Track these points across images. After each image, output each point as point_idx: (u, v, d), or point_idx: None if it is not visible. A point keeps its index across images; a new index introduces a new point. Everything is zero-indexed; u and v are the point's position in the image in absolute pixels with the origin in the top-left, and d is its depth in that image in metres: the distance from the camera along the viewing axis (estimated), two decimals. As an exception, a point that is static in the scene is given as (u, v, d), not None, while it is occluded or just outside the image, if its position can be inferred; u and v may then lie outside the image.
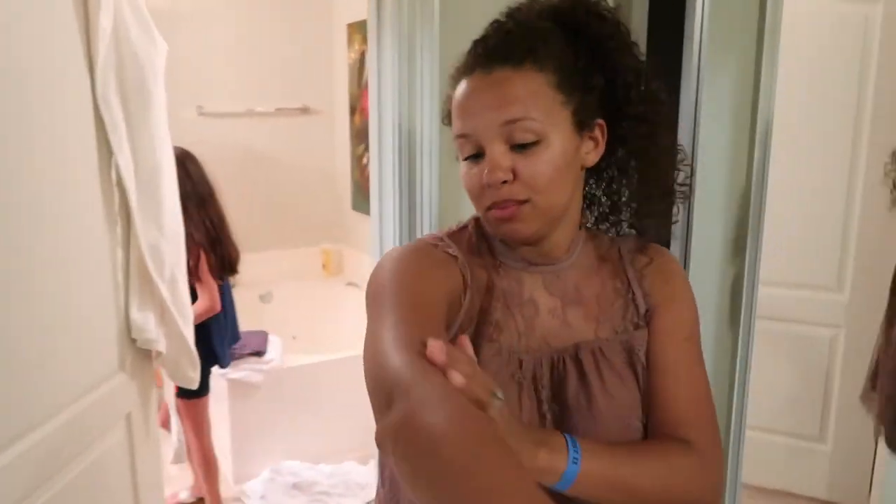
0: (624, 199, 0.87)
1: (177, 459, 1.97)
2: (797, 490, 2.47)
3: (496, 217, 0.78)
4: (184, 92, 3.42)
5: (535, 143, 0.75)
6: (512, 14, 0.81)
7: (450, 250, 0.82)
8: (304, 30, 3.88)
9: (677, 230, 1.45)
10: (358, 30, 3.63)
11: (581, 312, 0.84)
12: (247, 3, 3.71)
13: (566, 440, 0.74)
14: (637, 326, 0.85)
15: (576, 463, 0.72)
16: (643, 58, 0.83)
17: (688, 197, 0.88)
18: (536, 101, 0.75)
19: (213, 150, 3.69)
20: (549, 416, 0.80)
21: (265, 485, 2.66)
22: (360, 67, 3.66)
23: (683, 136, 1.38)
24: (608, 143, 0.82)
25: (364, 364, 0.69)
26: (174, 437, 1.94)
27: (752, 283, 1.56)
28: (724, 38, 1.39)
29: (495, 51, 0.77)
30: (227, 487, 2.81)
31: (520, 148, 0.76)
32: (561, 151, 0.77)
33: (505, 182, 0.75)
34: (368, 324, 0.74)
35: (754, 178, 1.50)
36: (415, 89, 1.25)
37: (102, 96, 1.47)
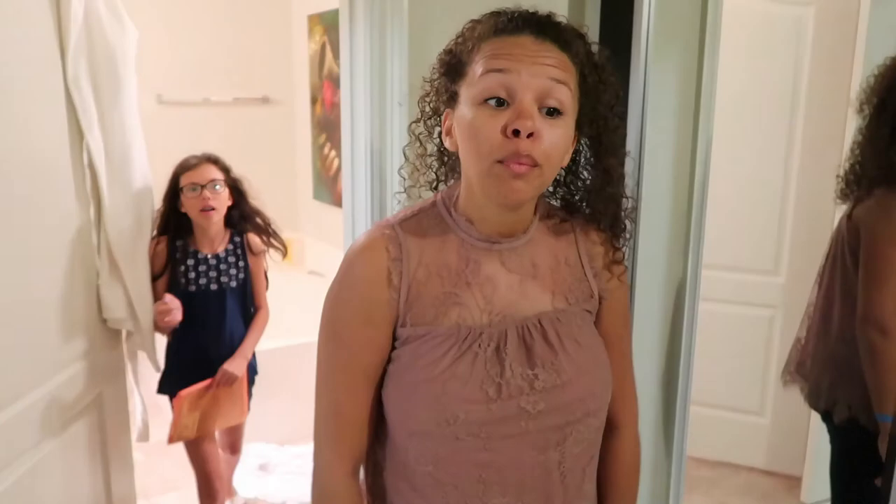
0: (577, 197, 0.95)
1: (141, 438, 1.99)
2: (738, 461, 2.63)
3: (512, 171, 0.77)
4: (143, 80, 3.40)
5: (559, 114, 0.79)
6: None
7: (391, 247, 0.86)
8: (264, 20, 3.89)
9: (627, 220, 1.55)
10: (318, 21, 3.66)
11: (538, 285, 0.90)
12: (207, -9, 3.71)
13: None
14: (587, 299, 0.93)
15: None
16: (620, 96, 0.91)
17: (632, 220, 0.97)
18: (571, 81, 0.80)
19: (172, 139, 3.69)
20: (513, 382, 0.84)
21: (230, 467, 2.70)
22: (320, 58, 3.69)
23: (631, 128, 1.47)
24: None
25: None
26: (138, 416, 1.97)
27: (695, 266, 1.67)
28: (668, 36, 1.49)
29: (546, 27, 0.81)
30: (190, 471, 2.83)
31: (548, 113, 0.78)
32: (569, 135, 0.82)
33: (530, 136, 0.76)
34: (319, 352, 0.91)
35: (697, 168, 1.60)
36: (385, 80, 1.31)
37: (73, 80, 1.50)
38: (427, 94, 0.91)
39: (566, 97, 0.79)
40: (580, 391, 0.88)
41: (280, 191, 4.09)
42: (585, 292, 0.93)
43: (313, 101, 3.83)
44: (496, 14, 0.83)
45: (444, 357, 0.84)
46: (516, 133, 0.76)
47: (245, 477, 2.66)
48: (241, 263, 2.19)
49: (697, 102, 1.57)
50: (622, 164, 0.92)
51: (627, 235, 0.96)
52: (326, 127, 3.74)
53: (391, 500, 0.93)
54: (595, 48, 0.86)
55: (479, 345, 0.85)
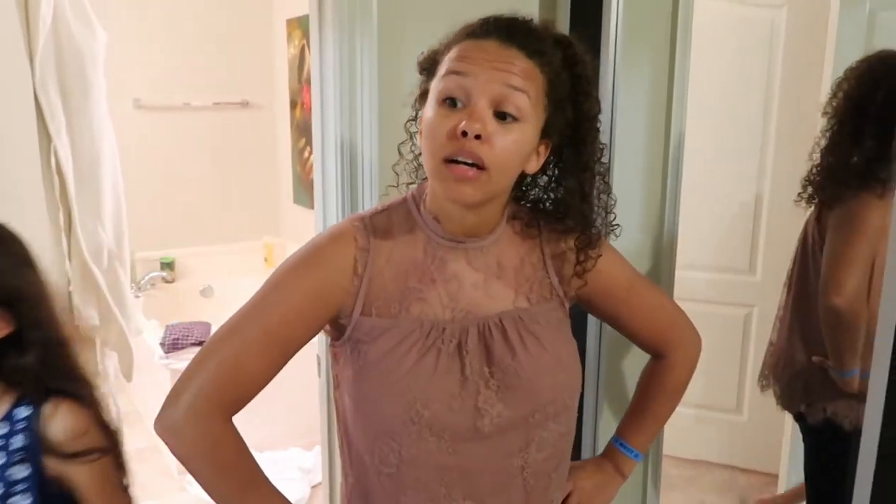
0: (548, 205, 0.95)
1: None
2: (716, 459, 2.65)
3: (455, 174, 0.79)
4: (120, 84, 3.38)
5: (514, 120, 0.80)
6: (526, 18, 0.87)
7: (359, 237, 0.87)
8: (244, 24, 3.88)
9: (599, 220, 1.56)
10: (298, 25, 3.65)
11: (502, 285, 0.91)
12: (185, -5, 3.69)
13: (622, 449, 1.08)
14: (547, 299, 0.94)
15: (637, 457, 1.08)
16: (600, 107, 0.91)
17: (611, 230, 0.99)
18: (532, 89, 0.81)
19: (151, 144, 3.67)
20: (471, 379, 0.86)
21: (209, 474, 2.68)
22: (300, 62, 3.69)
23: (601, 132, 1.48)
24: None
25: (219, 329, 0.88)
26: (116, 427, 1.95)
27: (669, 267, 1.68)
28: (639, 38, 1.50)
29: (514, 33, 0.82)
30: (170, 478, 2.81)
31: (501, 117, 0.79)
32: (526, 141, 0.82)
33: (478, 137, 0.78)
34: (256, 293, 0.88)
35: (670, 170, 1.62)
36: (356, 82, 1.31)
37: (41, 84, 1.49)
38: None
39: (524, 104, 0.80)
40: (539, 394, 0.88)
41: (261, 195, 4.08)
42: (546, 293, 0.94)
43: (293, 105, 3.83)
44: (484, 20, 0.85)
45: (409, 353, 0.85)
46: (465, 134, 0.77)
47: (225, 483, 2.64)
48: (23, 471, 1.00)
49: (669, 104, 1.58)
50: (596, 177, 0.93)
51: (598, 247, 0.95)
52: (306, 131, 3.73)
53: None
54: (576, 59, 0.86)
55: (443, 341, 0.86)
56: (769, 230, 2.43)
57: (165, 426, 0.85)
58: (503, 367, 0.87)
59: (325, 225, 1.48)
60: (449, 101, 0.80)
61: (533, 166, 0.87)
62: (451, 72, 0.81)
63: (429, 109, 0.83)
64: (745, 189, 2.44)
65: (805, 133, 2.26)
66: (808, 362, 1.59)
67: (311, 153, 3.72)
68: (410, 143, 0.96)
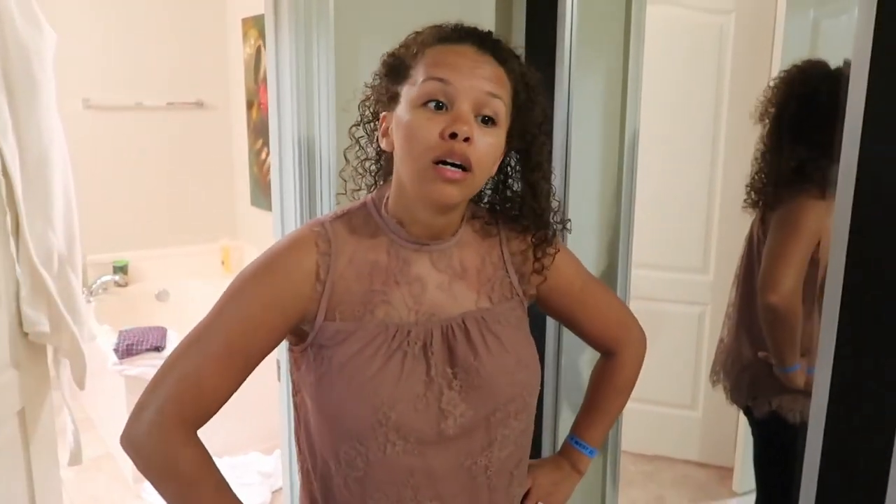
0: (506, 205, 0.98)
1: (73, 461, 1.91)
2: (672, 454, 2.71)
3: (444, 176, 0.80)
4: (69, 84, 3.29)
5: (493, 124, 0.84)
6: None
7: (320, 241, 0.87)
8: (198, 23, 3.81)
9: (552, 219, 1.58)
10: (253, 24, 3.61)
11: (465, 285, 0.92)
12: (136, -7, 3.61)
13: (577, 447, 1.11)
14: (508, 299, 0.95)
15: (592, 453, 1.11)
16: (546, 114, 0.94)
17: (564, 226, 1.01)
18: (504, 96, 0.85)
19: (101, 144, 3.58)
20: (436, 380, 0.87)
21: (166, 482, 2.63)
22: (256, 62, 3.64)
23: (557, 134, 1.50)
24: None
25: (181, 343, 0.87)
26: (69, 436, 1.88)
27: (625, 266, 1.72)
28: (593, 44, 1.53)
29: (486, 40, 0.86)
30: (125, 486, 2.75)
31: (482, 121, 0.83)
32: (500, 145, 0.87)
33: (466, 140, 0.80)
34: (216, 304, 0.87)
35: (625, 172, 1.65)
36: (312, 83, 1.30)
37: (-15, 85, 1.44)
38: (367, 99, 0.93)
39: (500, 109, 0.84)
40: (500, 393, 0.89)
41: (217, 197, 4.02)
42: (507, 292, 0.95)
43: (249, 105, 3.77)
44: (439, 26, 0.88)
45: (374, 356, 0.85)
46: (453, 136, 0.80)
47: (182, 491, 2.59)
48: None
49: (623, 107, 1.61)
50: (547, 179, 0.96)
51: (554, 244, 0.98)
52: (263, 132, 3.68)
53: None
54: (528, 69, 0.90)
55: (408, 343, 0.87)
56: (721, 230, 2.49)
57: (129, 442, 0.84)
58: (466, 368, 0.88)
59: (283, 226, 1.47)
60: (434, 104, 0.82)
61: (494, 168, 0.90)
62: (433, 77, 0.82)
63: (406, 113, 0.83)
64: (698, 190, 2.51)
65: (753, 135, 2.33)
66: (755, 358, 1.64)
67: (268, 154, 3.67)
68: (357, 149, 0.96)
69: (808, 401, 1.51)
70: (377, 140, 0.92)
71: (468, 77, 0.81)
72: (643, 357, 1.13)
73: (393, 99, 0.86)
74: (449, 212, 0.88)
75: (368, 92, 0.93)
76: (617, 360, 1.10)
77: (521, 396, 0.92)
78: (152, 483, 0.85)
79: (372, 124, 0.93)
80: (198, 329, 0.86)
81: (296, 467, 1.08)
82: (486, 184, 0.95)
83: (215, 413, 0.86)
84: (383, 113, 0.89)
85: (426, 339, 0.88)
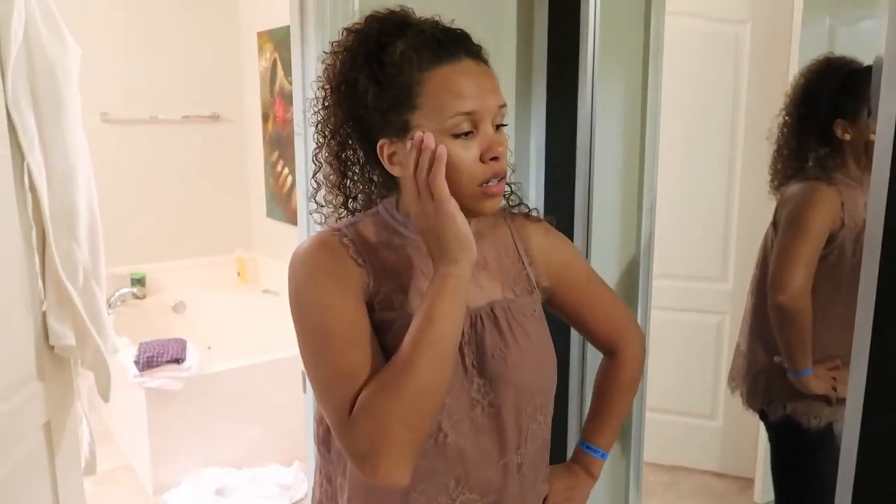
0: None
1: (88, 471, 1.92)
2: (692, 464, 2.69)
3: (495, 192, 0.86)
4: (88, 98, 3.32)
5: (503, 126, 0.88)
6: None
7: (345, 240, 0.88)
8: (213, 37, 3.85)
9: (578, 229, 1.59)
10: (269, 38, 3.64)
11: (487, 275, 0.94)
12: (154, 8, 3.65)
13: (588, 451, 1.11)
14: (529, 292, 0.97)
15: (603, 456, 1.12)
16: None
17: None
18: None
19: (118, 158, 3.61)
20: (469, 369, 0.89)
21: (187, 493, 2.63)
22: (271, 75, 3.67)
23: (581, 142, 1.51)
24: None
25: (312, 380, 0.85)
26: (85, 447, 1.89)
27: (646, 276, 1.72)
28: (614, 53, 1.53)
29: (472, 47, 0.87)
30: (145, 498, 2.75)
31: (496, 128, 0.87)
32: None
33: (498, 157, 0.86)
34: (301, 336, 0.86)
35: (645, 182, 1.66)
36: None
37: (13, 100, 1.46)
38: (327, 120, 0.91)
39: (506, 112, 0.88)
40: (527, 384, 0.92)
41: (233, 209, 4.05)
42: (527, 286, 0.97)
43: (265, 118, 3.80)
44: (420, 34, 0.84)
45: None
46: (495, 158, 0.85)
47: (201, 502, 2.60)
48: None
49: (643, 116, 1.62)
50: None
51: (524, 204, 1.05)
52: (279, 144, 3.71)
53: None
54: None
55: None
56: (740, 238, 2.48)
57: (386, 482, 0.79)
58: (496, 357, 0.90)
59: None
60: (464, 134, 0.84)
61: None
62: (460, 113, 0.83)
63: (449, 142, 0.83)
64: (716, 198, 2.50)
65: (771, 144, 2.33)
66: (770, 362, 1.63)
67: (283, 166, 3.70)
68: (330, 172, 0.93)
69: (823, 405, 1.52)
70: (360, 164, 0.92)
71: (484, 99, 0.84)
72: (644, 356, 1.15)
73: (402, 129, 0.84)
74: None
75: (326, 114, 0.90)
76: (619, 360, 1.11)
77: (545, 389, 0.95)
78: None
79: (355, 149, 0.91)
80: (309, 358, 0.85)
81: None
82: None
83: None
84: (384, 140, 0.86)
85: None
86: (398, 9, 0.88)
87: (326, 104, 0.90)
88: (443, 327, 0.79)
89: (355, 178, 0.94)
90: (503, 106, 0.87)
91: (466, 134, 0.84)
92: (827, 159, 1.52)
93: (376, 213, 0.94)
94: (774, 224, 1.64)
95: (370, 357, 0.82)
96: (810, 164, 1.57)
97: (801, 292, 1.47)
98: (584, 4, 1.45)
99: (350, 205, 0.96)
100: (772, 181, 1.68)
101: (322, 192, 0.97)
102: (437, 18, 0.88)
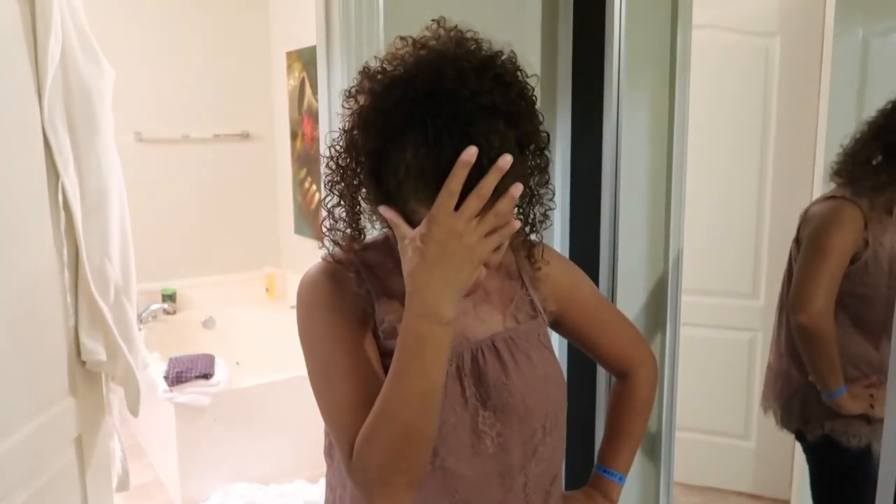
0: None
1: (120, 487, 1.94)
2: (724, 485, 2.62)
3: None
4: (121, 118, 3.41)
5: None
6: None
7: (351, 267, 0.87)
8: (243, 57, 3.93)
9: (605, 246, 1.58)
10: (297, 57, 3.70)
11: (489, 308, 0.94)
12: (185, 30, 3.74)
13: (605, 475, 1.09)
14: (533, 317, 0.96)
15: (621, 480, 1.09)
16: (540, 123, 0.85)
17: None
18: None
19: (150, 176, 3.69)
20: (471, 400, 0.88)
21: (214, 508, 2.65)
22: (299, 94, 3.73)
23: (606, 157, 1.50)
24: None
25: (320, 408, 0.86)
26: (117, 462, 1.92)
27: (675, 293, 1.69)
28: (640, 66, 1.52)
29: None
30: (173, 515, 2.78)
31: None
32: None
33: None
34: (308, 364, 0.88)
35: (673, 195, 1.64)
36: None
37: (49, 121, 1.50)
38: (342, 155, 0.86)
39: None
40: (535, 411, 0.91)
41: (261, 226, 4.10)
42: (530, 310, 0.97)
43: (293, 136, 3.86)
44: (422, 164, 0.75)
45: None
46: None
47: (229, 518, 2.61)
48: None
49: (671, 130, 1.60)
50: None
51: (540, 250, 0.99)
52: (307, 161, 3.75)
53: None
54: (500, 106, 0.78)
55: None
56: (771, 254, 2.44)
57: (364, 484, 0.81)
58: (498, 387, 0.89)
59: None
60: None
61: None
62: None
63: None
64: (746, 213, 2.46)
65: (802, 159, 2.29)
66: (804, 381, 1.60)
67: (311, 183, 3.74)
68: (350, 208, 0.88)
69: (862, 423, 1.47)
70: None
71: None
72: (657, 377, 1.13)
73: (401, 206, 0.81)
74: None
75: (345, 149, 0.85)
76: (632, 381, 1.10)
77: (553, 412, 0.94)
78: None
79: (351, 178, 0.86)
80: (315, 387, 0.87)
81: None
82: None
83: None
84: (383, 207, 0.81)
85: (458, 362, 0.89)
86: (428, 51, 0.79)
87: (342, 144, 0.86)
88: (421, 382, 0.76)
89: (364, 212, 0.91)
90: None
91: None
92: (881, 174, 1.49)
93: (385, 239, 0.94)
94: (797, 241, 1.61)
95: (374, 387, 0.82)
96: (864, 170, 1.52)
97: (821, 313, 1.45)
98: (609, 18, 1.45)
99: (359, 234, 0.93)
100: (834, 173, 1.62)
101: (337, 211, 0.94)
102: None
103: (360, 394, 0.82)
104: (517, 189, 0.74)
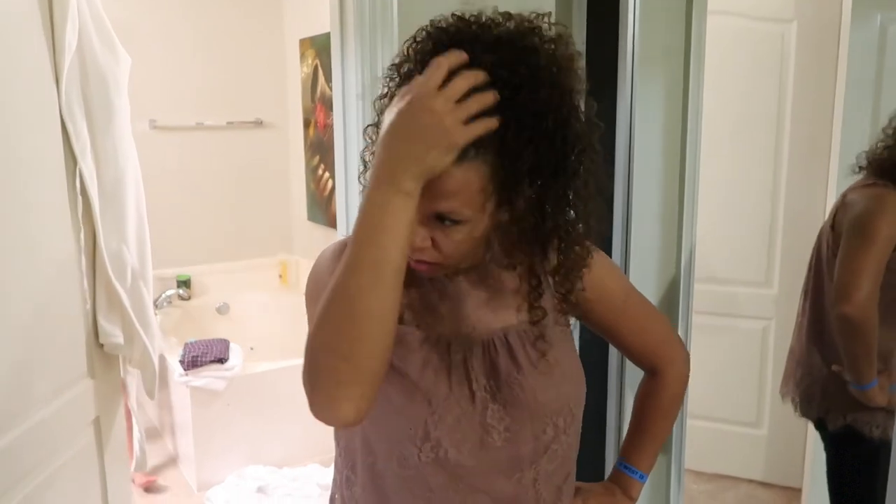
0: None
1: (138, 467, 1.98)
2: (736, 473, 2.63)
3: (413, 266, 0.81)
4: (137, 106, 3.43)
5: (457, 223, 0.77)
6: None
7: None
8: (257, 45, 3.93)
9: (618, 234, 1.58)
10: (311, 45, 3.70)
11: (504, 301, 0.91)
12: (199, 18, 3.75)
13: (626, 472, 1.07)
14: (549, 312, 0.92)
15: (642, 478, 1.06)
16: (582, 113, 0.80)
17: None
18: (469, 196, 0.75)
19: (166, 163, 3.72)
20: (479, 394, 0.86)
21: (229, 490, 2.69)
22: (312, 81, 3.73)
23: (619, 147, 1.50)
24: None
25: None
26: (136, 445, 1.96)
27: (688, 281, 1.69)
28: (654, 53, 1.52)
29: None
30: (189, 494, 2.82)
31: (441, 221, 0.77)
32: (479, 229, 0.79)
33: (420, 249, 0.79)
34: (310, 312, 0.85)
35: (687, 183, 1.63)
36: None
37: (67, 108, 1.51)
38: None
39: (457, 216, 0.77)
40: (547, 407, 0.88)
41: (274, 213, 4.12)
42: (548, 304, 0.93)
43: (306, 123, 3.87)
44: None
45: (415, 362, 0.85)
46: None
47: (243, 499, 2.65)
48: None
49: (685, 117, 1.59)
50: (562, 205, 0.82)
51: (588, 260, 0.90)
52: (320, 149, 3.76)
53: None
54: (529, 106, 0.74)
55: (449, 353, 0.87)
56: (785, 243, 2.43)
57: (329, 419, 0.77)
58: (509, 382, 0.87)
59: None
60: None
61: (505, 216, 0.81)
62: None
63: None
64: (760, 201, 2.45)
65: (819, 144, 2.27)
66: (827, 370, 1.59)
67: (324, 170, 3.76)
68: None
69: (885, 415, 1.46)
70: None
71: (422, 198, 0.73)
72: (687, 377, 1.09)
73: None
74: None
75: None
76: (661, 380, 1.07)
77: (568, 409, 0.91)
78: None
79: None
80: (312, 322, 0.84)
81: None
82: None
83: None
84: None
85: (465, 353, 0.88)
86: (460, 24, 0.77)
87: (373, 137, 0.84)
88: (374, 252, 0.71)
89: None
90: (441, 213, 0.76)
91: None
92: None
93: None
94: (833, 227, 1.58)
95: None
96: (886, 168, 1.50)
97: (867, 303, 1.42)
98: (623, 5, 1.44)
99: None
100: (864, 167, 1.59)
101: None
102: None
103: None
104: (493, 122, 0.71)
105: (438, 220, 0.77)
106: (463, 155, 0.72)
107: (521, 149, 0.74)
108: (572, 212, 0.83)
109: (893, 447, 0.95)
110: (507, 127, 0.73)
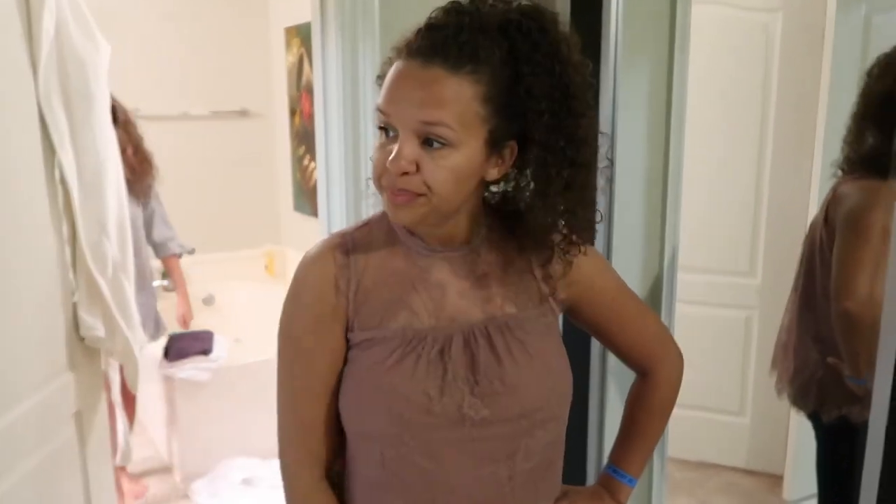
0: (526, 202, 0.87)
1: (123, 460, 1.97)
2: (720, 461, 2.66)
3: (389, 200, 0.81)
4: (120, 95, 3.39)
5: (444, 146, 0.78)
6: (470, 10, 0.80)
7: (336, 253, 0.88)
8: (242, 34, 3.89)
9: (600, 226, 1.57)
10: (296, 33, 3.67)
11: (488, 292, 0.90)
12: (183, 5, 3.70)
13: (616, 476, 1.04)
14: (536, 305, 0.92)
15: (632, 482, 1.04)
16: (582, 81, 0.82)
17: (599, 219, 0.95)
18: (460, 110, 0.77)
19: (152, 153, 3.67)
20: (455, 384, 0.85)
21: (214, 482, 2.68)
22: (298, 70, 3.70)
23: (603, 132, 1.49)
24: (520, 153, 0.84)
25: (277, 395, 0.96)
26: (120, 437, 1.94)
27: (671, 269, 1.69)
28: (638, 42, 1.51)
29: (439, 45, 0.77)
30: (174, 487, 2.81)
31: (429, 145, 0.78)
32: (467, 161, 0.79)
33: (406, 173, 0.78)
34: (278, 362, 0.94)
35: (670, 171, 1.63)
36: (358, 89, 1.32)
37: (44, 97, 1.49)
38: None
39: (449, 133, 0.77)
40: (526, 401, 0.87)
41: (260, 203, 4.09)
42: (535, 297, 0.92)
43: (292, 112, 3.84)
44: (419, 30, 0.81)
45: (388, 358, 0.86)
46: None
47: (229, 491, 2.64)
48: None
49: (668, 107, 1.59)
50: (574, 172, 0.84)
51: (577, 249, 0.91)
52: (306, 138, 3.74)
53: None
54: (535, 40, 0.78)
55: (423, 347, 0.86)
56: (769, 232, 2.44)
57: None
58: (488, 374, 0.86)
59: (329, 232, 1.49)
60: (383, 131, 0.81)
61: (494, 174, 0.84)
62: (378, 107, 0.81)
63: (377, 132, 0.83)
64: (744, 191, 2.46)
65: (803, 134, 2.28)
66: (822, 363, 1.59)
67: (310, 160, 3.73)
68: None
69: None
70: None
71: (404, 107, 0.78)
72: (680, 377, 1.06)
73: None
74: (441, 224, 0.86)
75: None
76: (652, 380, 1.04)
77: (548, 405, 0.90)
78: None
79: None
80: (278, 380, 0.95)
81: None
82: (499, 186, 0.90)
83: (331, 442, 0.93)
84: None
85: (444, 345, 0.87)
86: None
87: None
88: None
89: None
90: (430, 123, 0.77)
91: (384, 130, 0.81)
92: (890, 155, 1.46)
93: (384, 215, 0.91)
94: (826, 221, 1.57)
95: (325, 412, 0.90)
96: (871, 160, 1.50)
97: (868, 297, 1.41)
98: (607, -6, 1.43)
99: None
100: (841, 165, 1.60)
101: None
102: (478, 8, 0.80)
103: (315, 415, 0.90)
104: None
105: (426, 143, 0.78)
106: (459, 66, 0.76)
107: (519, 77, 0.78)
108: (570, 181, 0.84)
109: (870, 428, 0.96)
110: (507, 62, 0.78)
